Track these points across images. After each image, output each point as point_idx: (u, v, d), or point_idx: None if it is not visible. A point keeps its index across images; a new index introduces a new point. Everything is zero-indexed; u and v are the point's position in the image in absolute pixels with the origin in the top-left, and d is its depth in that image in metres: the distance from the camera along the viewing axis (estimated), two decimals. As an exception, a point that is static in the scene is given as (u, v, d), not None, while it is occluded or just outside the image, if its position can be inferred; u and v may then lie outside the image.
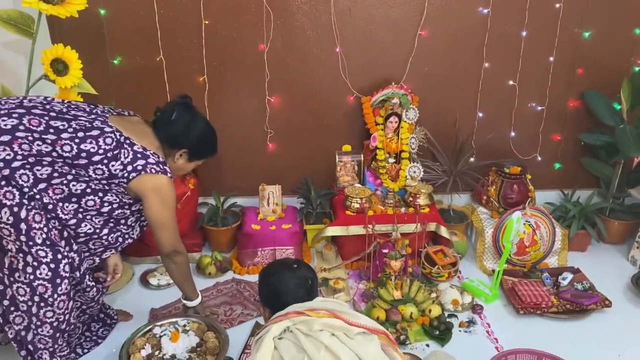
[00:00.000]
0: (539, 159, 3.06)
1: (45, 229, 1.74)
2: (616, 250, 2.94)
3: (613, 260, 2.86)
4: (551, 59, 2.84)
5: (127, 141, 1.83)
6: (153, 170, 1.84)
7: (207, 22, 2.64)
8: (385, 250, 2.51)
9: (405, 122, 2.79)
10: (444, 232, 2.69)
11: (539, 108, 2.95)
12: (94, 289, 2.00)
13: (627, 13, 2.80)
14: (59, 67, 2.21)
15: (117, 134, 1.81)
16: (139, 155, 1.83)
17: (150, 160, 1.85)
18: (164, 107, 1.97)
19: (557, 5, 2.74)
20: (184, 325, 2.11)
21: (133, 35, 2.64)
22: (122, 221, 1.98)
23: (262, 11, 2.64)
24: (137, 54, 2.67)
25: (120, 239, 1.99)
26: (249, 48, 2.71)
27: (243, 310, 2.41)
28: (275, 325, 1.56)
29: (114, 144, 1.79)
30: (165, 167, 1.90)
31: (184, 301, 2.18)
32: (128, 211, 1.95)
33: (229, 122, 2.85)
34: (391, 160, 2.82)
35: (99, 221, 1.90)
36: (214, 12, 2.63)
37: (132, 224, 2.02)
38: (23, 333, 1.85)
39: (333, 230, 2.66)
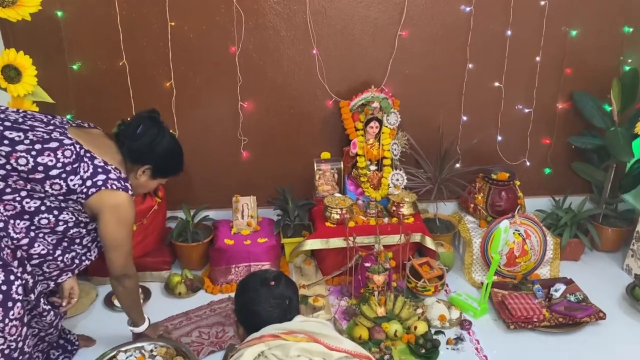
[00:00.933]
0: (528, 164, 3.05)
1: None
2: (610, 258, 2.93)
3: (607, 269, 2.85)
4: (538, 58, 2.84)
5: (88, 154, 1.79)
6: (114, 187, 1.80)
7: (173, 23, 2.58)
8: (367, 264, 2.48)
9: (387, 127, 2.77)
10: (429, 243, 2.66)
11: (527, 110, 2.94)
12: (51, 313, 1.92)
13: (616, 10, 2.80)
14: (11, 73, 2.15)
15: (77, 146, 1.77)
16: (99, 170, 1.79)
17: (112, 175, 1.81)
18: (130, 120, 1.93)
19: (543, 3, 2.74)
20: (151, 351, 2.05)
21: (93, 38, 2.57)
22: (77, 241, 1.90)
23: (232, 12, 2.59)
24: (98, 58, 2.61)
25: (76, 261, 1.91)
26: (219, 51, 2.66)
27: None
28: (249, 350, 1.49)
29: (74, 157, 1.74)
30: (126, 183, 1.85)
31: (130, 328, 2.13)
32: (84, 230, 1.88)
33: (199, 129, 2.80)
34: (373, 167, 2.80)
35: (52, 240, 1.83)
36: (181, 14, 2.58)
37: (88, 244, 1.95)
38: None
39: (312, 244, 2.62)
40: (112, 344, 2.12)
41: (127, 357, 2.00)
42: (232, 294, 2.59)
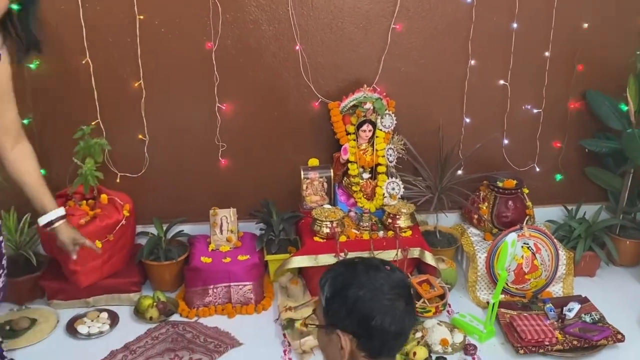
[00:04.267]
0: (537, 169, 3.07)
1: None
2: (629, 273, 2.95)
3: (625, 285, 2.86)
4: (547, 54, 2.86)
5: None
6: None
7: (141, 17, 2.59)
8: None
9: (381, 130, 2.77)
10: (429, 258, 2.66)
11: (535, 111, 2.96)
12: None
13: (631, 0, 2.83)
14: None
15: None
16: None
17: None
18: None
19: (551, -7, 2.77)
20: None
21: (53, 34, 2.56)
22: None
23: (208, 3, 2.61)
24: (59, 56, 2.60)
25: None
26: (193, 47, 2.67)
27: (192, 356, 2.36)
28: None
29: None
30: None
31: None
32: None
33: (172, 134, 2.81)
34: (366, 175, 2.80)
35: None
36: (150, 6, 2.59)
37: None
38: None
39: (299, 261, 2.63)
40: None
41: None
42: (170, 318, 2.59)
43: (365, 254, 2.58)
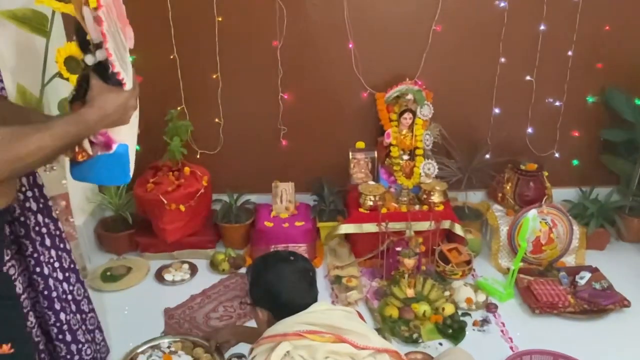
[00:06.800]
0: (557, 155, 2.99)
1: None
2: (636, 249, 2.85)
3: (633, 259, 2.77)
4: (570, 53, 2.77)
5: None
6: None
7: (220, 19, 2.62)
8: (398, 248, 2.48)
9: (420, 118, 2.75)
10: (458, 229, 2.64)
11: (557, 103, 2.88)
12: None
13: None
14: (72, 65, 2.19)
15: None
16: None
17: None
18: None
19: (577, -1, 2.66)
20: (168, 347, 1.99)
21: (147, 32, 2.57)
22: None
23: (275, 7, 2.62)
24: (152, 52, 2.64)
25: None
26: (262, 44, 2.69)
27: None
28: (275, 352, 1.40)
29: None
30: None
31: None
32: None
33: (242, 118, 2.84)
34: (405, 157, 2.78)
35: None
36: (227, 9, 2.62)
37: None
38: None
39: (346, 228, 2.64)
40: (160, 315, 2.15)
41: (148, 357, 1.94)
42: (239, 270, 2.64)
43: (403, 224, 2.58)
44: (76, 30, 1.24)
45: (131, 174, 1.37)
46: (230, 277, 2.62)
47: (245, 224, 2.79)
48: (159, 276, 2.61)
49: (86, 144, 1.28)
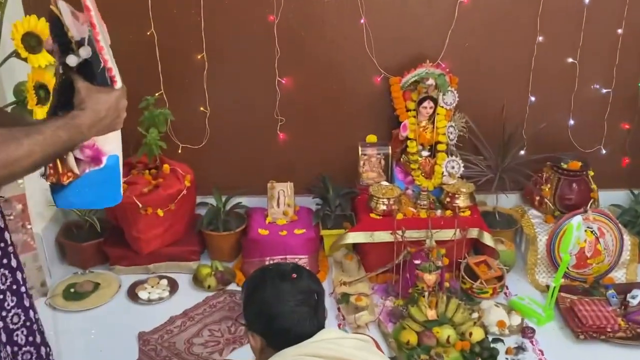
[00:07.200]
0: (604, 152, 2.98)
1: None
2: (698, 263, 2.83)
3: (694, 275, 2.75)
4: (620, 31, 2.75)
5: None
6: None
7: (206, -11, 2.62)
8: (417, 261, 2.47)
9: (442, 107, 2.73)
10: (487, 239, 2.63)
11: (604, 91, 2.87)
12: None
13: None
14: (32, 42, 2.16)
15: None
16: None
17: None
18: None
19: (628, -35, 2.65)
20: None
21: (119, 5, 2.59)
22: None
23: (272, -24, 2.61)
24: (124, 27, 2.62)
25: None
26: (255, 20, 2.67)
27: None
28: None
29: None
30: None
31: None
32: None
33: (232, 107, 2.83)
34: (425, 153, 2.77)
35: None
36: (215, -22, 2.61)
37: None
38: None
39: (355, 237, 2.63)
40: (133, 340, 2.14)
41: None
42: (227, 287, 2.63)
43: (422, 233, 2.56)
44: (52, 28, 1.28)
45: (122, 191, 1.41)
46: (217, 296, 2.60)
47: (236, 232, 2.78)
48: (132, 294, 2.59)
49: (72, 161, 1.30)
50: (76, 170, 1.30)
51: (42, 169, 1.29)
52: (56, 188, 1.32)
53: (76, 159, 1.30)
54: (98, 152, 1.31)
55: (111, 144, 1.34)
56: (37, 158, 1.15)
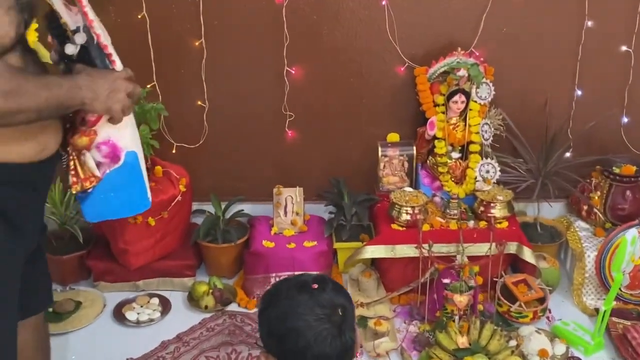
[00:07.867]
0: (662, 154, 2.98)
1: None
2: None
3: None
4: (682, 15, 2.75)
5: None
6: None
7: (204, -34, 2.64)
8: (446, 280, 2.46)
9: (476, 102, 2.74)
10: (528, 255, 2.62)
11: (664, 84, 2.87)
12: None
13: None
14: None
15: None
16: None
17: None
18: None
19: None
20: None
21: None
22: None
23: (281, -49, 2.63)
24: (112, 8, 2.65)
25: None
26: (261, 1, 2.68)
27: (251, 351, 2.40)
28: None
29: None
30: None
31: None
32: None
33: (235, 100, 2.85)
34: (455, 154, 2.78)
35: None
36: (215, -47, 2.63)
37: None
38: None
39: (373, 251, 2.63)
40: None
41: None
42: (227, 307, 2.64)
43: (451, 247, 2.56)
44: (48, 23, 1.49)
45: (150, 196, 1.60)
46: (215, 317, 2.60)
47: (237, 244, 2.78)
48: (119, 314, 2.59)
49: (91, 163, 1.52)
50: (97, 173, 1.51)
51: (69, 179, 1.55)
52: (82, 198, 1.53)
53: (96, 163, 1.51)
54: (114, 147, 1.51)
55: (126, 139, 1.53)
56: (41, 102, 1.36)
